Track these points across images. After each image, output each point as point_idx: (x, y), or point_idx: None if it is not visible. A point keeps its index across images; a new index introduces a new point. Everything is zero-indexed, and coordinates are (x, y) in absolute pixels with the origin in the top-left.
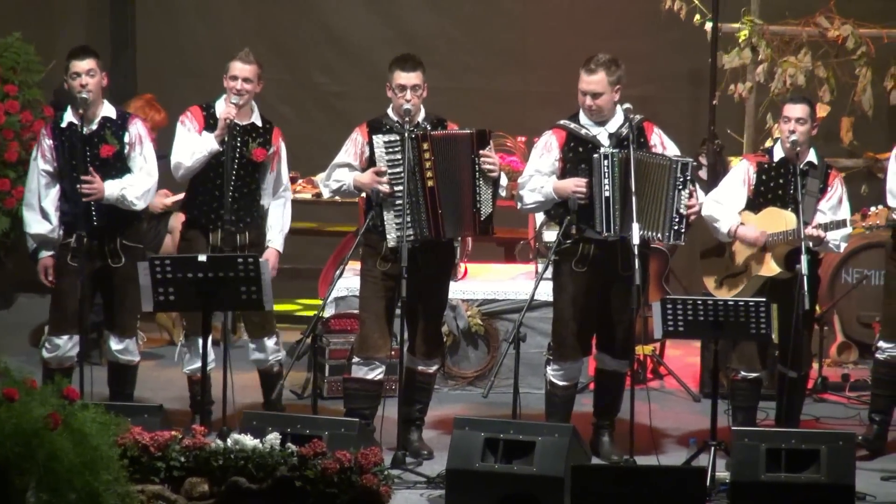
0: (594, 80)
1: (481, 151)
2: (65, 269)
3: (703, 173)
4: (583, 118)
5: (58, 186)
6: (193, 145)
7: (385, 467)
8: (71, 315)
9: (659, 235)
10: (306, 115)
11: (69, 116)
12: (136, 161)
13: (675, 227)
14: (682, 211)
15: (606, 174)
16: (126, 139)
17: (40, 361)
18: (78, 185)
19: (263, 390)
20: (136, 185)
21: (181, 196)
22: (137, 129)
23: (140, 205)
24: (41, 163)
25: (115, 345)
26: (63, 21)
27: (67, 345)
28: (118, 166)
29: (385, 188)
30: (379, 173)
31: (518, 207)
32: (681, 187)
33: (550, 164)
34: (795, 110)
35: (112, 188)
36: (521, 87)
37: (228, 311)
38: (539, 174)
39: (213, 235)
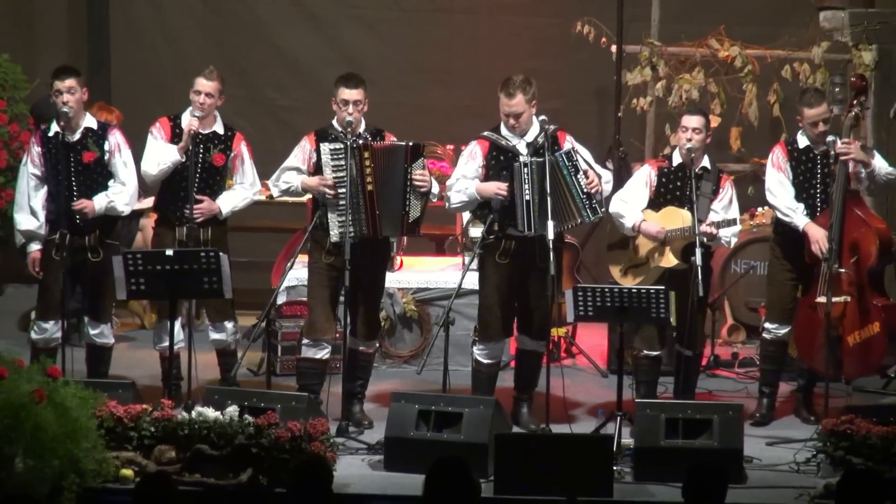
0: (514, 103)
1: (416, 172)
2: (50, 263)
3: None
4: (504, 129)
5: (45, 188)
6: (159, 156)
7: (331, 436)
8: (55, 303)
9: (579, 220)
10: (259, 127)
11: (55, 126)
12: (117, 167)
13: (589, 205)
14: (586, 190)
15: (526, 180)
16: (106, 147)
17: (28, 343)
18: (72, 204)
19: (221, 368)
20: (122, 194)
21: (152, 199)
22: (116, 139)
23: (127, 210)
24: (31, 167)
25: (92, 329)
26: (46, 44)
27: (53, 328)
28: (100, 171)
29: (331, 192)
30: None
31: (446, 207)
32: (574, 172)
33: (475, 169)
34: (692, 121)
35: (100, 202)
36: (447, 101)
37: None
38: (465, 178)
39: (178, 231)
